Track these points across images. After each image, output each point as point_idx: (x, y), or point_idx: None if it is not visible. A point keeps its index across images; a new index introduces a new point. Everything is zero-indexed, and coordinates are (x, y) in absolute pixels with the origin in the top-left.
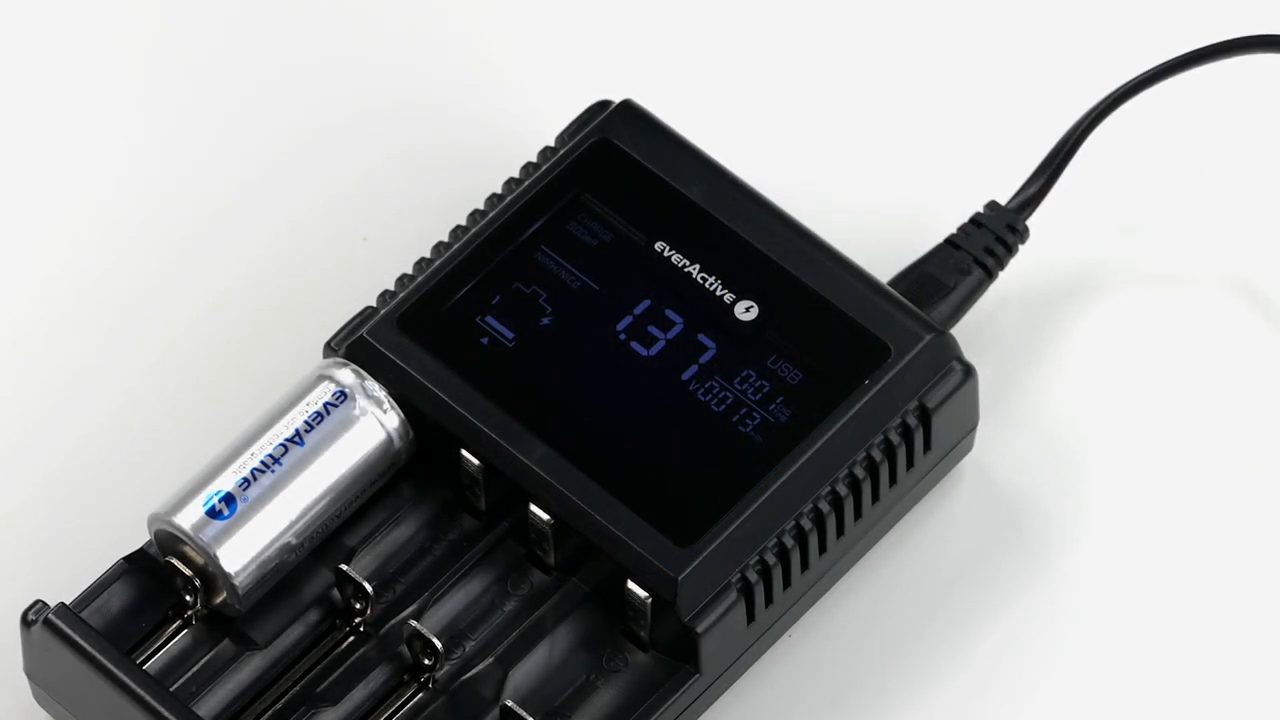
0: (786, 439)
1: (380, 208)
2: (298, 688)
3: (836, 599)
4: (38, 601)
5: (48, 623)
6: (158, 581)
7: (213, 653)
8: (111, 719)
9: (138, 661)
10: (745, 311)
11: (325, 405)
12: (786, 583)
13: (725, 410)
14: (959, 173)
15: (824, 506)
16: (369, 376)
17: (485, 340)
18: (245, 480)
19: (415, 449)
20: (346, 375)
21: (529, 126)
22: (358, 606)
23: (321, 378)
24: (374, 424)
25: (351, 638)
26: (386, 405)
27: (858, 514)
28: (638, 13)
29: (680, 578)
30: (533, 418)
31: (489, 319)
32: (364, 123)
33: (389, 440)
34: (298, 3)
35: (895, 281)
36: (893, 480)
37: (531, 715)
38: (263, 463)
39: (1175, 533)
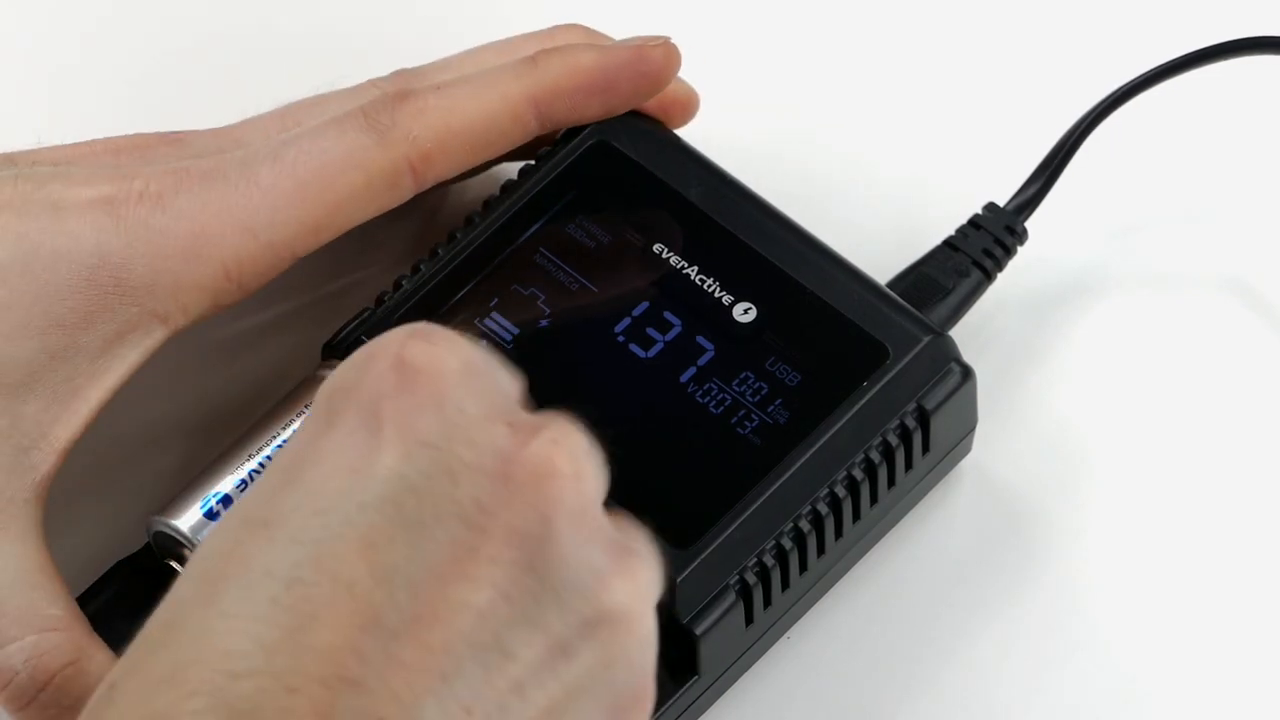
0: (785, 441)
1: None
2: None
3: (835, 601)
4: None
5: None
6: (157, 583)
7: None
8: None
9: None
10: (743, 313)
11: None
12: (785, 585)
13: (723, 412)
14: (958, 174)
15: (823, 508)
16: None
17: (483, 342)
18: (243, 482)
19: None
20: None
21: None
22: None
23: (319, 381)
24: None
25: None
26: None
27: (856, 516)
28: (637, 13)
29: (679, 580)
30: None
31: (487, 320)
32: None
33: None
34: (301, 7)
35: (894, 283)
36: (891, 482)
37: None
38: (261, 465)
39: (1175, 533)
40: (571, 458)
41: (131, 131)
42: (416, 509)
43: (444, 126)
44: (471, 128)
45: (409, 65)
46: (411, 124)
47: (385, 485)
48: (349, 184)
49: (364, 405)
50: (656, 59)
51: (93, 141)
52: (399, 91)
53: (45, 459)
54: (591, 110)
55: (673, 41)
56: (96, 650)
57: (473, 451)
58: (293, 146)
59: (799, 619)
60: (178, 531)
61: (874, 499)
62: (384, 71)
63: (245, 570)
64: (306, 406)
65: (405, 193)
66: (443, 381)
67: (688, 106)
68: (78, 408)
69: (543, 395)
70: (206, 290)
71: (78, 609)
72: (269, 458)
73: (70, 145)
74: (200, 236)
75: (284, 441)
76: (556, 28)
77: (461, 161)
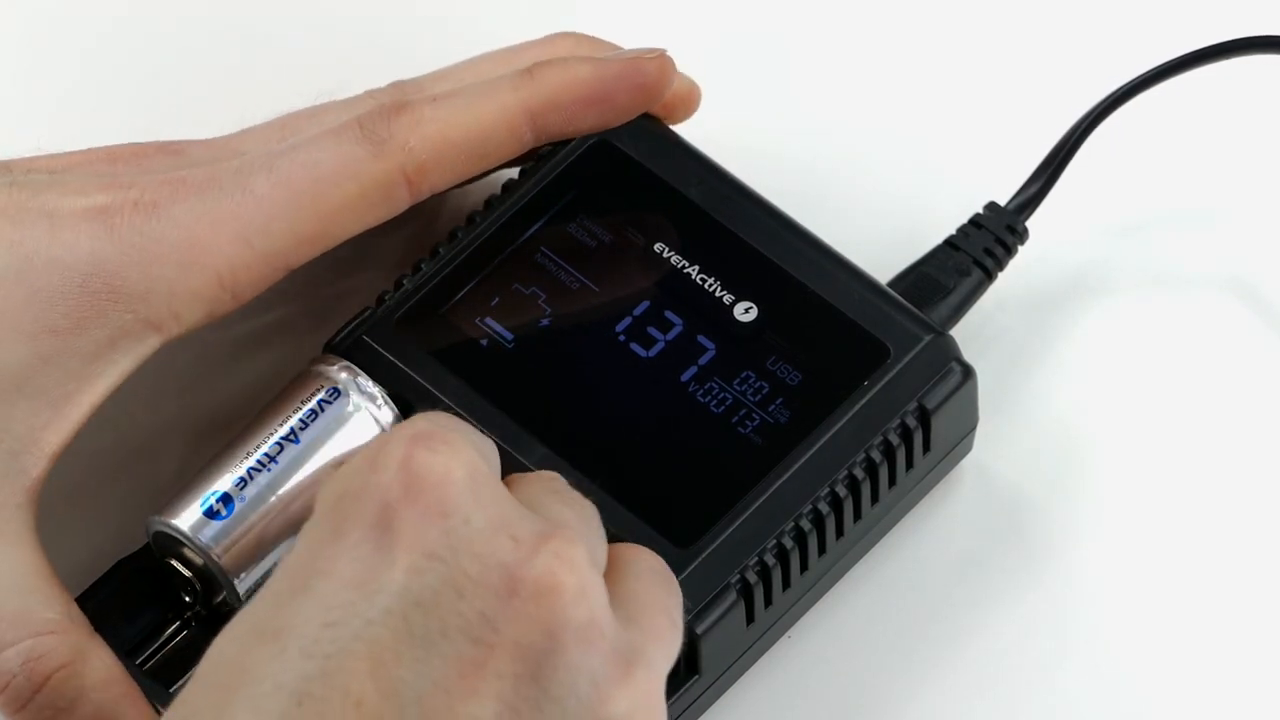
0: (786, 440)
1: None
2: None
3: (836, 600)
4: None
5: None
6: (157, 583)
7: None
8: None
9: (137, 663)
10: (744, 313)
11: (319, 403)
12: (786, 584)
13: (724, 411)
14: (958, 173)
15: (824, 508)
16: (361, 373)
17: (484, 342)
18: (242, 480)
19: None
20: (339, 373)
21: None
22: None
23: (314, 376)
24: (368, 420)
25: None
26: (380, 401)
27: (857, 515)
28: (636, 14)
29: (680, 579)
30: (532, 419)
31: (488, 320)
32: None
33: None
34: (299, 18)
35: (895, 282)
36: (892, 481)
37: None
38: (259, 462)
39: (1175, 532)
40: (575, 571)
41: (130, 140)
42: (423, 624)
43: (440, 138)
44: (468, 139)
45: (407, 74)
46: (407, 135)
47: (392, 599)
48: (344, 195)
49: (371, 515)
50: (651, 71)
51: (89, 150)
52: (395, 103)
53: (36, 463)
54: (587, 122)
55: (668, 54)
56: (94, 651)
57: (478, 565)
58: (288, 157)
59: (800, 618)
60: (177, 531)
61: (875, 498)
62: (383, 81)
63: (256, 682)
64: (303, 403)
65: (400, 204)
66: (448, 491)
67: (689, 102)
68: (69, 413)
69: (543, 396)
70: (200, 299)
71: (76, 610)
72: (266, 454)
73: (66, 154)
74: (195, 245)
75: (280, 439)
76: (553, 35)
77: (457, 173)
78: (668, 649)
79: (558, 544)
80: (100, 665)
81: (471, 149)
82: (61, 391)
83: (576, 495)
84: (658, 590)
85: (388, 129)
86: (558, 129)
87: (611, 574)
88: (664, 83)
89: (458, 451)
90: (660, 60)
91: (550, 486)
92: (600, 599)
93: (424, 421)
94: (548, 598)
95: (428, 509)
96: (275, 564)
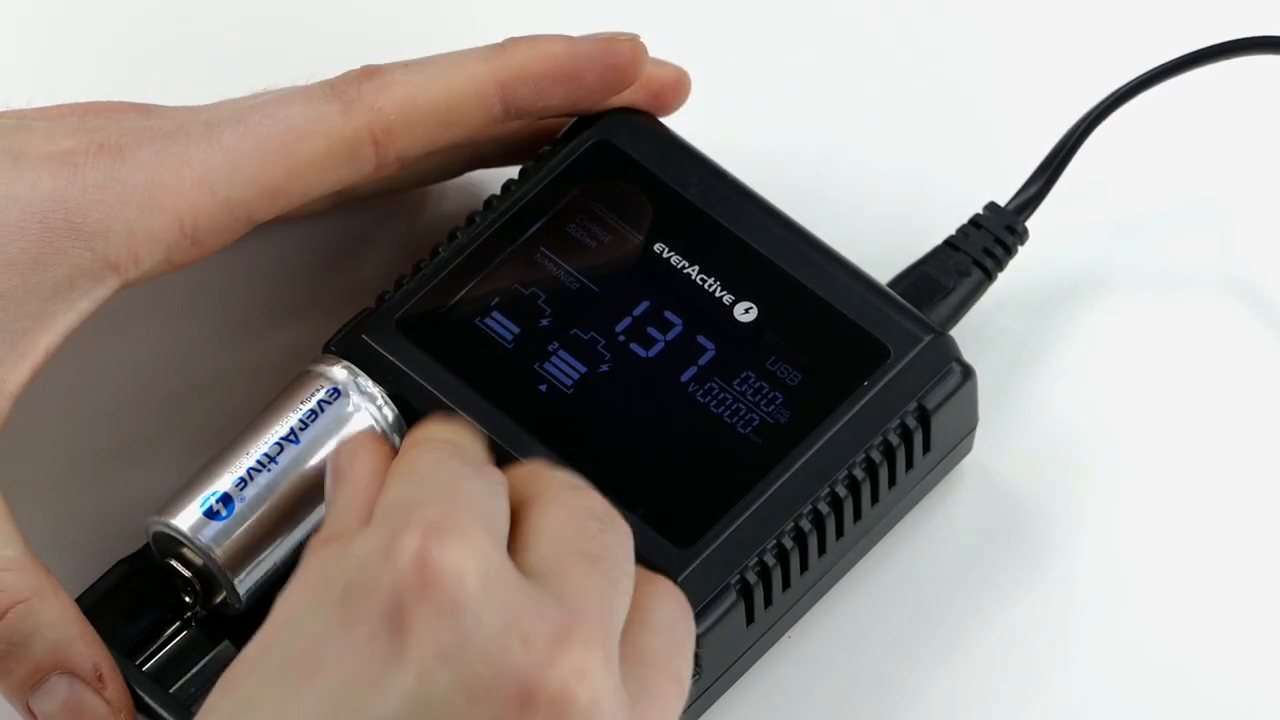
0: (786, 440)
1: (378, 208)
2: None
3: (836, 601)
4: None
5: None
6: (157, 583)
7: (213, 654)
8: None
9: (137, 663)
10: (744, 313)
11: (319, 403)
12: (786, 584)
13: (724, 411)
14: (958, 174)
15: (824, 508)
16: (361, 373)
17: (484, 341)
18: (242, 480)
19: None
20: (339, 372)
21: None
22: None
23: (314, 376)
24: (368, 420)
25: None
26: (380, 400)
27: (857, 515)
28: (636, 14)
29: (680, 579)
30: (532, 419)
31: (488, 320)
32: None
33: (384, 435)
34: (299, 8)
35: (894, 283)
36: (892, 481)
37: None
38: (259, 462)
39: (1175, 532)
40: (589, 686)
41: None
42: None
43: (408, 101)
44: (436, 104)
45: None
46: (376, 96)
47: (402, 701)
48: (311, 150)
49: (383, 609)
50: (624, 53)
51: (61, 105)
52: (366, 68)
53: None
54: (556, 98)
55: (640, 39)
56: (51, 590)
57: (490, 669)
58: (258, 111)
59: (800, 618)
60: (177, 531)
61: (875, 498)
62: None
63: None
64: (303, 403)
65: (365, 165)
66: (462, 588)
67: (678, 90)
68: (25, 350)
69: (544, 395)
70: (160, 241)
71: (32, 551)
72: (266, 455)
73: (38, 108)
74: (158, 187)
75: (280, 439)
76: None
77: (425, 138)
78: (672, 716)
79: (572, 652)
80: (56, 604)
81: (439, 115)
82: (18, 328)
83: (614, 529)
84: (672, 647)
85: (357, 89)
86: (528, 103)
87: (631, 622)
88: (636, 66)
89: (472, 543)
90: (633, 43)
91: (576, 543)
92: (610, 703)
93: (435, 507)
94: (560, 711)
95: (441, 607)
96: (275, 565)
